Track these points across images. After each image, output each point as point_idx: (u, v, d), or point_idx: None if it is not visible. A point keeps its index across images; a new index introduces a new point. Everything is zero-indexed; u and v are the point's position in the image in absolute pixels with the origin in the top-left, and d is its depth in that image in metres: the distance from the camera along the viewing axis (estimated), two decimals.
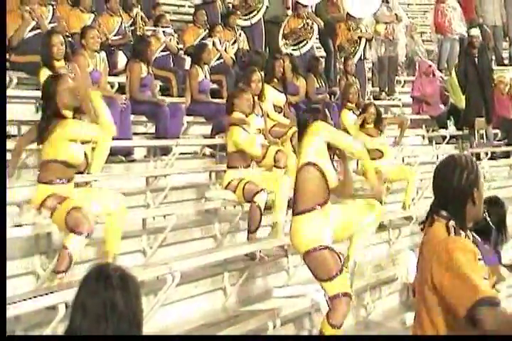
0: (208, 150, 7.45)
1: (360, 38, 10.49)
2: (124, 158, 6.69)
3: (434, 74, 11.12)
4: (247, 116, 6.21)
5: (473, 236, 2.93)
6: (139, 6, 9.35)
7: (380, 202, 5.46)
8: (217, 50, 8.94)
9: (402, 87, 12.31)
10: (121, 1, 9.00)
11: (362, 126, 7.92)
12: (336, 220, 4.77)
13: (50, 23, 7.49)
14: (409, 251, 6.83)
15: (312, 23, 10.03)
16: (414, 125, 10.81)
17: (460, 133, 11.02)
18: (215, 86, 8.58)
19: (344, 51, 10.39)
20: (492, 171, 10.22)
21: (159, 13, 9.48)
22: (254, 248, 5.66)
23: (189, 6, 11.52)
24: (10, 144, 5.39)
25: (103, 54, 7.15)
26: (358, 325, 6.19)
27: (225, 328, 4.74)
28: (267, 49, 10.16)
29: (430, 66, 11.25)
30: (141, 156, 7.17)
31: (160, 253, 5.60)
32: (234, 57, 9.27)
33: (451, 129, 11.10)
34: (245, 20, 10.06)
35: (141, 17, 9.29)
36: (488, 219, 4.87)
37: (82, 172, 5.26)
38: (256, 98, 6.85)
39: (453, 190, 2.72)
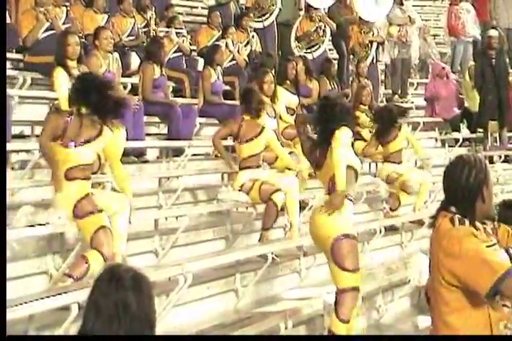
0: None
1: (371, 42, 10.46)
2: (136, 159, 6.69)
3: (447, 77, 11.07)
4: (259, 117, 6.18)
5: (483, 226, 2.95)
6: (153, 8, 9.35)
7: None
8: (229, 51, 8.94)
9: (415, 89, 12.25)
10: (134, 2, 9.01)
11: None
12: None
13: (63, 23, 7.51)
14: (421, 254, 6.76)
15: (325, 26, 10.01)
16: (427, 127, 10.77)
17: (473, 136, 10.96)
18: (227, 87, 8.58)
19: (356, 55, 10.37)
20: (506, 174, 10.15)
21: (172, 15, 9.49)
22: (267, 249, 5.64)
23: (202, 8, 11.52)
24: (24, 145, 5.44)
25: (116, 55, 7.16)
26: (370, 328, 6.16)
27: (236, 329, 4.74)
28: (280, 51, 10.15)
29: (444, 68, 11.20)
30: (154, 157, 7.18)
31: (172, 254, 5.60)
32: (247, 58, 9.27)
33: (465, 132, 11.05)
34: (258, 22, 10.06)
35: (155, 19, 9.30)
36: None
37: (95, 173, 5.25)
38: (268, 99, 6.85)
39: (461, 189, 2.78)
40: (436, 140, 10.97)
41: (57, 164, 4.51)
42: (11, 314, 3.51)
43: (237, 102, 7.46)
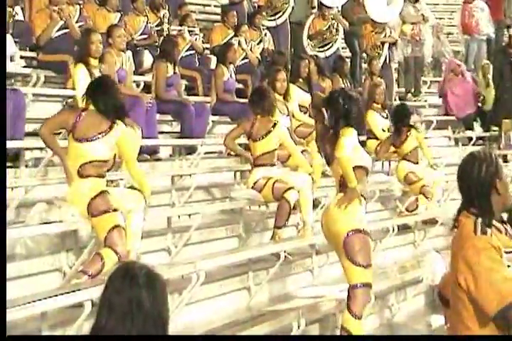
0: None
1: (383, 43, 10.40)
2: (149, 157, 6.69)
3: (463, 75, 11.00)
4: (271, 115, 6.16)
5: (504, 227, 2.94)
6: (166, 6, 9.36)
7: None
8: (242, 49, 8.94)
9: (428, 87, 12.20)
10: (147, 1, 9.01)
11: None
12: None
13: (77, 22, 7.52)
14: (434, 253, 6.74)
15: (337, 25, 10.00)
16: (441, 126, 10.71)
17: (487, 134, 10.89)
18: (240, 85, 8.56)
19: (368, 55, 10.34)
20: None
21: (185, 13, 9.49)
22: (279, 248, 5.62)
23: (215, 6, 11.51)
24: (37, 142, 5.43)
25: (129, 53, 7.19)
26: (383, 327, 6.14)
27: (249, 328, 4.72)
28: (292, 50, 10.13)
29: (459, 65, 11.14)
30: (167, 155, 7.18)
31: (185, 252, 5.59)
32: (259, 57, 9.25)
33: (478, 131, 10.98)
34: (271, 20, 10.05)
35: (168, 17, 9.30)
36: None
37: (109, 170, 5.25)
38: (281, 97, 6.83)
39: (475, 184, 2.81)
40: (449, 138, 10.91)
41: (68, 159, 4.53)
42: (24, 311, 3.52)
43: None
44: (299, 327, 4.91)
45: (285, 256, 5.60)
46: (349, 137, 4.71)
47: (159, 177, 6.50)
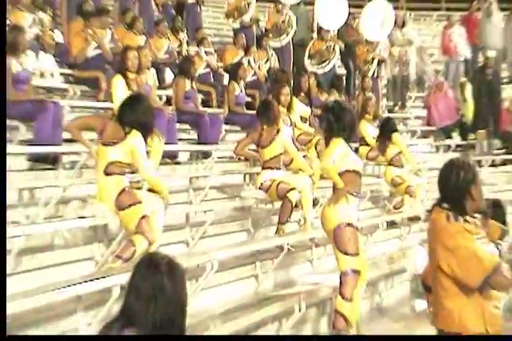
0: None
1: (373, 58, 10.44)
2: (170, 161, 6.70)
3: (445, 91, 11.02)
4: (276, 124, 6.15)
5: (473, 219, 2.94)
6: (185, 30, 9.38)
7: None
8: (251, 67, 8.96)
9: (413, 102, 12.20)
10: (169, 25, 9.04)
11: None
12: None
13: (108, 43, 7.54)
14: (418, 246, 6.73)
15: (334, 45, 10.04)
16: (424, 135, 10.72)
17: (464, 142, 10.88)
18: (249, 99, 8.57)
19: (360, 70, 10.36)
20: (492, 177, 10.03)
21: (202, 36, 9.50)
22: (283, 241, 5.61)
23: (227, 29, 11.54)
24: (73, 147, 5.42)
25: (153, 70, 7.20)
26: (373, 311, 6.12)
27: (257, 310, 4.70)
28: (294, 67, 10.15)
29: (443, 83, 11.20)
30: (185, 159, 7.17)
31: (201, 244, 5.59)
32: (266, 74, 9.26)
33: (456, 139, 10.98)
34: (276, 42, 10.06)
35: (187, 40, 9.33)
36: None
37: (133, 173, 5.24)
38: (285, 110, 6.82)
39: (451, 189, 2.82)
40: (431, 146, 10.91)
41: (98, 159, 4.52)
42: (61, 294, 3.52)
43: None
44: (300, 309, 4.89)
45: (288, 248, 5.59)
46: (336, 148, 4.72)
47: (179, 178, 6.51)
